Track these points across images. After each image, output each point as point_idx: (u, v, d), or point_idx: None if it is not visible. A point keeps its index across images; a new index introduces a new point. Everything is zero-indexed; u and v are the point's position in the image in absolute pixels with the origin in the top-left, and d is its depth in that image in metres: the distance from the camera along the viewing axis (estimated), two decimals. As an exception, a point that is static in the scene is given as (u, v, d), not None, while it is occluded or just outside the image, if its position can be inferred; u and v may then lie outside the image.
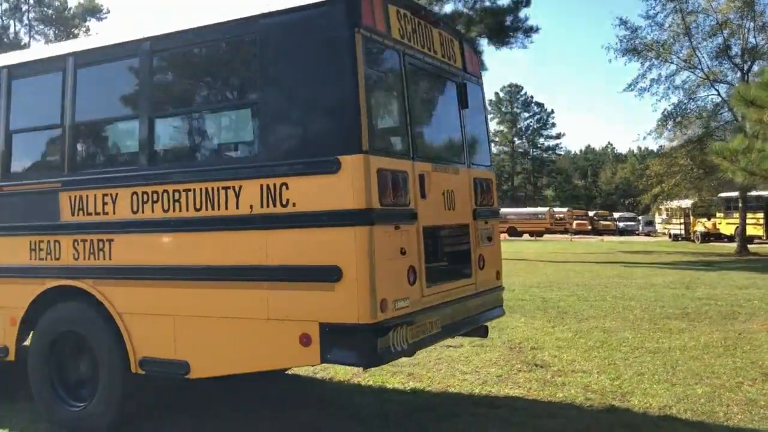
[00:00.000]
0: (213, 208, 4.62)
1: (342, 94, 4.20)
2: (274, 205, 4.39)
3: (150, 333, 4.86)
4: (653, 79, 30.92)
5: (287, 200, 4.36)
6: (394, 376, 6.98)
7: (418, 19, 5.04)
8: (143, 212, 4.90)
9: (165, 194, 4.80)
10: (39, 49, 6.07)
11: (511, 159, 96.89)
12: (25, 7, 47.93)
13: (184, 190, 4.73)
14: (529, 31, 27.15)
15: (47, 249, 5.34)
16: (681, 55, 30.10)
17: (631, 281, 16.54)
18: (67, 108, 5.30)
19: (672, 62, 30.37)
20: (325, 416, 5.66)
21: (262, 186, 4.43)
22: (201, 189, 4.66)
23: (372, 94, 4.39)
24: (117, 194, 5.02)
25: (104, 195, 5.08)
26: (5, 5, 47.29)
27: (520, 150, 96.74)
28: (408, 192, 4.59)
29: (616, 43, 30.69)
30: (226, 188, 4.57)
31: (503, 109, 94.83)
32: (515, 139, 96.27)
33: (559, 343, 8.54)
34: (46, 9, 48.65)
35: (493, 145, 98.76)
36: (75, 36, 45.02)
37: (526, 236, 55.99)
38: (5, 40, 47.35)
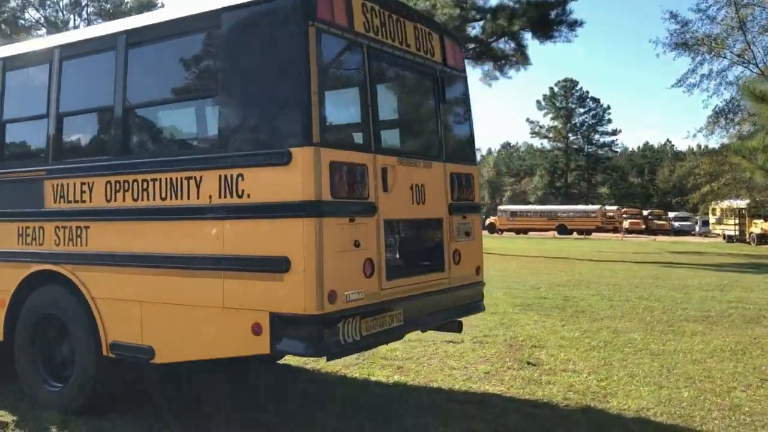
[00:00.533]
0: (177, 198, 4.74)
1: (294, 87, 4.25)
2: (231, 196, 4.48)
3: (120, 318, 5.02)
4: (704, 74, 30.00)
5: (242, 191, 4.44)
6: (384, 368, 7.02)
7: (389, 13, 5.04)
8: (115, 201, 5.06)
9: (135, 183, 4.95)
10: (29, 42, 6.27)
11: (564, 155, 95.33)
12: (84, 2, 49.52)
13: (151, 180, 4.87)
14: (574, 24, 26.67)
15: (32, 235, 5.56)
16: (734, 49, 29.10)
17: (665, 282, 16.12)
18: (52, 99, 5.50)
19: (725, 57, 29.39)
20: (294, 405, 5.74)
21: (220, 177, 4.52)
22: (166, 179, 4.78)
23: (326, 87, 4.42)
24: (93, 183, 5.19)
25: (82, 184, 5.26)
26: (66, 0, 49.03)
27: (574, 146, 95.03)
28: (367, 185, 4.61)
29: (666, 38, 29.87)
30: (188, 179, 4.68)
31: (557, 104, 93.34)
32: (569, 135, 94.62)
33: (561, 342, 8.42)
34: (104, 3, 50.18)
35: (546, 140, 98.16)
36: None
37: (575, 234, 55.10)
38: (66, 34, 48.98)
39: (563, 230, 56.71)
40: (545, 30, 26.66)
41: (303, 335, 4.22)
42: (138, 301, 4.93)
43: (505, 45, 29.98)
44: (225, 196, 4.51)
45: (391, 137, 5.26)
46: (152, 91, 5.16)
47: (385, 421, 5.30)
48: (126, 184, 5.00)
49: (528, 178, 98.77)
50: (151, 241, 4.89)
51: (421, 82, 5.63)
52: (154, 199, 4.85)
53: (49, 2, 48.70)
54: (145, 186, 4.89)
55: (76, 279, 5.22)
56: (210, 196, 4.57)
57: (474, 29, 29.92)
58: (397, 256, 4.98)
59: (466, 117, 6.10)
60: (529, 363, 7.26)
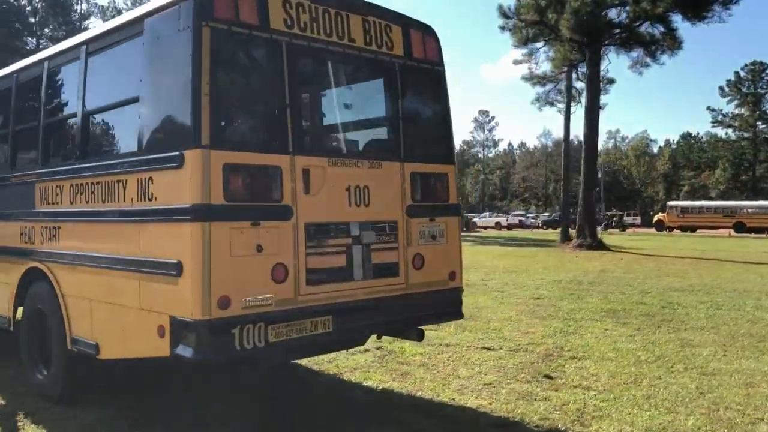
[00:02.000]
0: (112, 201, 4.91)
1: (185, 89, 4.22)
2: (144, 199, 4.57)
3: (78, 314, 5.31)
4: None
5: (152, 194, 4.50)
6: (386, 373, 6.82)
7: (324, 8, 4.85)
8: (74, 203, 5.35)
9: (86, 187, 5.20)
10: (19, 63, 6.79)
11: (752, 146, 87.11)
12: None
13: (96, 183, 5.09)
14: (728, 2, 24.12)
15: (28, 233, 6.03)
16: None
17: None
18: (41, 108, 5.93)
19: None
20: (254, 402, 5.73)
21: (138, 180, 4.62)
22: (105, 183, 4.98)
23: (229, 88, 4.36)
24: (62, 186, 5.52)
25: (56, 186, 5.62)
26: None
27: (765, 135, 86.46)
28: (279, 187, 4.48)
29: None
30: (118, 182, 4.83)
31: (744, 90, 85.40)
32: (758, 123, 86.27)
33: (608, 354, 7.69)
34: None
35: (731, 130, 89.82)
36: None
37: (754, 234, 50.09)
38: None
39: (740, 228, 51.86)
40: (695, 10, 24.39)
41: (192, 340, 4.19)
42: (88, 299, 5.18)
43: (653, 29, 27.87)
44: (141, 200, 4.61)
45: (324, 137, 5.07)
46: (99, 98, 5.38)
47: (328, 429, 5.16)
48: (81, 188, 5.26)
49: (709, 172, 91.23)
50: (95, 242, 5.13)
51: (372, 78, 5.37)
52: (97, 202, 5.07)
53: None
54: (92, 189, 5.13)
55: (52, 276, 5.58)
56: (132, 199, 4.69)
57: (617, 15, 28.09)
58: (326, 260, 4.79)
59: (439, 113, 5.73)
60: (546, 376, 6.70)
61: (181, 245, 4.23)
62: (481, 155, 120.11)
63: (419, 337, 5.49)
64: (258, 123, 4.67)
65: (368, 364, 7.18)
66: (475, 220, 67.67)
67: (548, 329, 9.30)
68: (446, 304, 5.59)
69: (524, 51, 34.32)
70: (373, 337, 5.84)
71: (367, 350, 7.72)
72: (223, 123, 4.33)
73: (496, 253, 27.22)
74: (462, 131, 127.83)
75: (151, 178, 4.50)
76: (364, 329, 5.11)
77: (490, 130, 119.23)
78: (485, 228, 65.73)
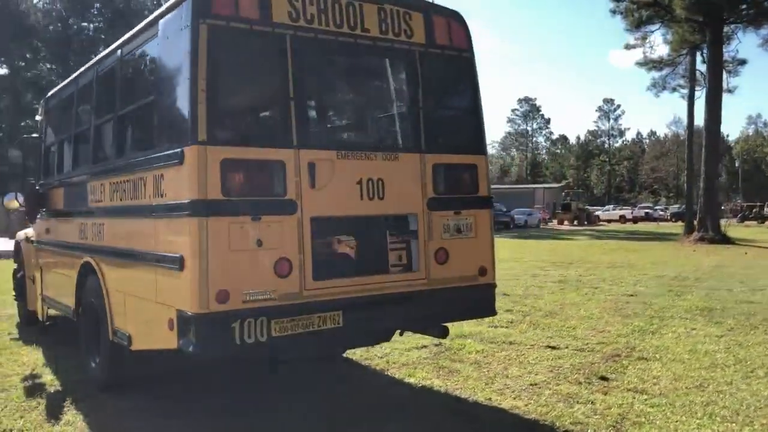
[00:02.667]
0: (137, 198, 5.10)
1: (184, 86, 4.30)
2: (158, 196, 4.71)
3: (117, 307, 5.56)
4: None
5: (163, 191, 4.63)
6: (433, 370, 6.66)
7: None
8: (111, 200, 5.61)
9: (119, 185, 5.43)
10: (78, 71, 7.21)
11: None
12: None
13: (125, 181, 5.30)
14: None
15: (83, 230, 6.40)
16: None
17: None
18: (91, 112, 6.28)
19: None
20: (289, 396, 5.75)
21: (153, 177, 4.76)
22: (132, 180, 5.17)
23: (229, 83, 4.39)
24: (103, 184, 5.80)
25: (99, 185, 5.91)
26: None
27: None
28: (282, 182, 4.47)
29: None
30: (141, 179, 5.00)
31: None
32: None
33: (682, 356, 7.11)
34: None
35: None
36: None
37: None
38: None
39: None
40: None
41: (192, 334, 4.25)
42: (123, 292, 5.40)
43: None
44: (156, 196, 4.74)
45: (334, 130, 4.99)
46: (130, 99, 5.58)
47: (354, 423, 5.10)
48: (116, 185, 5.50)
49: None
50: (125, 237, 5.36)
51: (388, 68, 5.22)
52: (126, 199, 5.29)
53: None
54: (123, 187, 5.35)
55: (99, 270, 5.87)
56: (150, 196, 4.84)
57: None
58: (334, 255, 4.72)
59: (468, 101, 5.49)
60: (601, 378, 6.29)
61: (182, 240, 4.32)
62: (606, 145, 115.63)
63: (442, 333, 5.32)
64: (259, 118, 4.68)
65: (419, 361, 7.04)
66: (597, 213, 65.27)
67: (627, 328, 8.75)
68: (475, 301, 5.37)
69: (637, 35, 32.49)
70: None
71: (424, 346, 7.60)
72: (221, 119, 4.36)
73: (607, 247, 26.07)
74: (586, 121, 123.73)
75: (162, 175, 4.63)
76: (381, 325, 5.00)
77: (615, 119, 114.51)
78: (609, 221, 63.19)
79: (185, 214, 4.27)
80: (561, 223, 57.87)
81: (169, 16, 4.69)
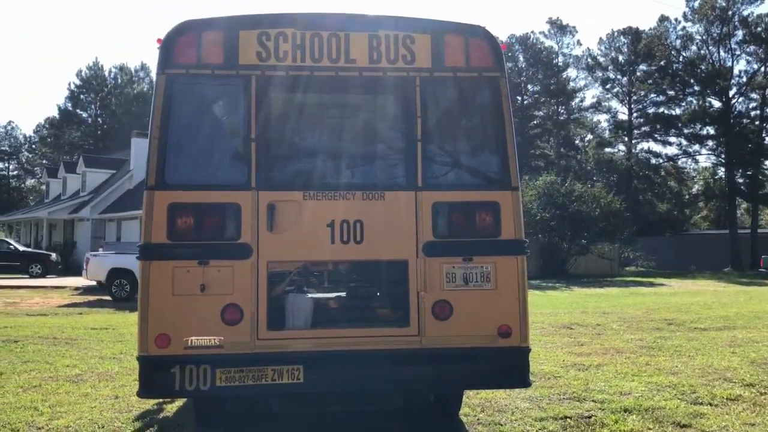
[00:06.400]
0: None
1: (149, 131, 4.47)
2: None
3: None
4: None
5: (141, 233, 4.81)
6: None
7: (312, 32, 4.52)
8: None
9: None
10: None
11: None
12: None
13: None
14: None
15: None
16: None
17: None
18: None
19: None
20: None
21: (139, 221, 4.96)
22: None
23: (175, 130, 4.41)
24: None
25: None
26: (708, 35, 49.27)
27: None
28: (236, 225, 4.33)
29: None
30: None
31: None
32: None
33: None
34: (753, 29, 47.87)
35: None
36: None
37: None
38: (703, 68, 49.34)
39: None
40: None
41: (139, 375, 4.32)
42: None
43: None
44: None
45: (305, 169, 4.57)
46: None
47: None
48: None
49: None
50: None
51: (379, 97, 4.65)
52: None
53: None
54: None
55: None
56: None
57: None
58: (319, 304, 4.36)
59: (489, 128, 4.60)
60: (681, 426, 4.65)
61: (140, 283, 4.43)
62: None
63: (453, 405, 4.48)
64: (214, 161, 4.57)
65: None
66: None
67: None
68: (495, 368, 4.42)
69: None
70: None
71: (566, 417, 6.34)
72: (173, 164, 4.41)
73: None
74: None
75: (141, 219, 4.82)
76: (354, 386, 4.40)
77: None
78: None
79: (139, 257, 4.39)
80: None
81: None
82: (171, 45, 4.47)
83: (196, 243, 4.32)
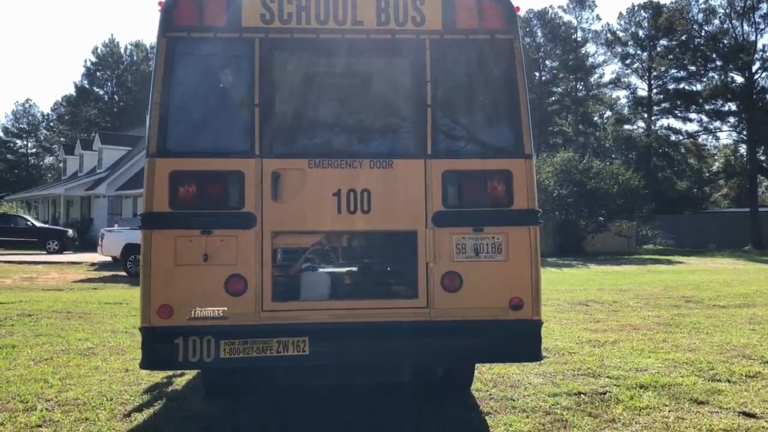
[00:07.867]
0: None
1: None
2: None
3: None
4: None
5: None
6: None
7: None
8: None
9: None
10: None
11: None
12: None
13: None
14: None
15: None
16: None
17: None
18: None
19: None
20: None
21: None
22: None
23: (177, 96, 4.27)
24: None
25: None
26: (732, 8, 48.20)
27: None
28: (240, 194, 4.21)
29: None
30: None
31: None
32: None
33: None
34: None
35: None
36: None
37: None
38: (725, 42, 48.36)
39: None
40: None
41: (141, 346, 4.24)
42: None
43: None
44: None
45: (310, 136, 4.42)
46: None
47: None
48: None
49: None
50: None
51: (388, 61, 4.48)
52: None
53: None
54: None
55: None
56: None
57: None
58: (324, 275, 4.24)
59: (502, 93, 4.42)
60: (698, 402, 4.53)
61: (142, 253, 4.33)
62: None
63: (464, 380, 4.36)
64: (217, 127, 4.42)
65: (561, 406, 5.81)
66: None
67: None
68: (507, 341, 4.29)
69: None
70: None
71: (577, 393, 6.23)
72: (174, 130, 4.28)
73: None
74: None
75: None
76: (361, 358, 4.29)
77: None
78: None
79: (142, 227, 4.28)
80: None
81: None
82: (172, 7, 4.33)
83: (198, 212, 4.20)
